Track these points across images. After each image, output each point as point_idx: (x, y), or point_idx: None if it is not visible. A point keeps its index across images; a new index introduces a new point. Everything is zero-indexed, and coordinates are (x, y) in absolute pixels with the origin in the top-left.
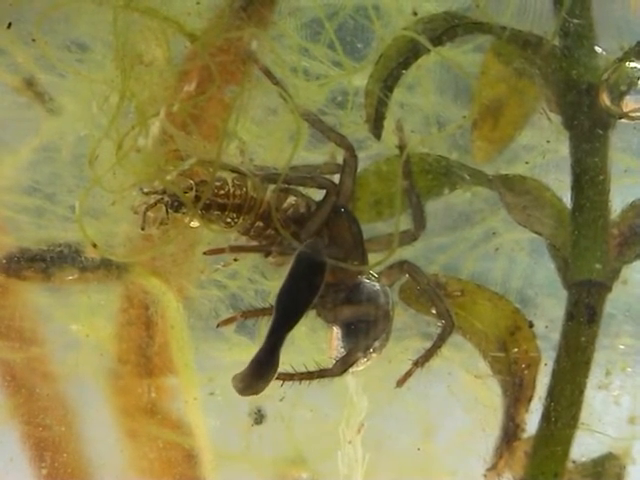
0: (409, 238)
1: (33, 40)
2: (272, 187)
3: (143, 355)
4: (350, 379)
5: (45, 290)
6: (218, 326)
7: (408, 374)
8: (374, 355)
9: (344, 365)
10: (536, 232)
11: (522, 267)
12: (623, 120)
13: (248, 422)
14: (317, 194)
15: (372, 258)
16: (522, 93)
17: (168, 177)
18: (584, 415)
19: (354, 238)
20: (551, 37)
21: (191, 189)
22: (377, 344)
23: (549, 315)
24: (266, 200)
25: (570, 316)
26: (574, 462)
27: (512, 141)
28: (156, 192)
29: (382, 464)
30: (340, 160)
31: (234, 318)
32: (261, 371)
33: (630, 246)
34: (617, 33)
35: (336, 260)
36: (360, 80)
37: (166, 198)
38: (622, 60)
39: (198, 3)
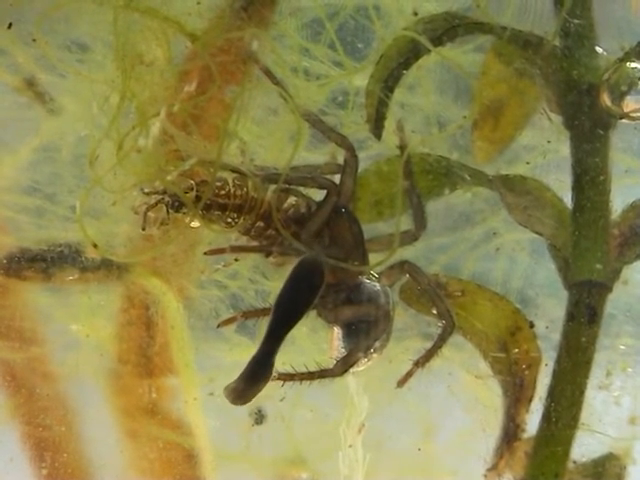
0: (410, 238)
1: (34, 40)
2: (273, 187)
3: (143, 355)
4: (351, 379)
5: (45, 290)
6: (218, 326)
7: (409, 374)
8: (375, 355)
9: (345, 365)
10: (537, 232)
11: (523, 267)
12: (624, 120)
13: (248, 422)
14: (318, 194)
15: (373, 258)
16: (523, 93)
17: (169, 177)
18: (585, 415)
19: (355, 238)
20: (552, 37)
21: (192, 189)
22: (378, 344)
23: (550, 315)
24: (267, 200)
25: (571, 316)
26: (575, 462)
27: (513, 141)
28: (157, 192)
29: (383, 464)
30: (341, 160)
31: (234, 318)
32: (253, 381)
33: (631, 246)
34: (618, 33)
35: (337, 260)
36: (361, 80)
37: (167, 198)
38: (623, 60)
39: (199, 3)
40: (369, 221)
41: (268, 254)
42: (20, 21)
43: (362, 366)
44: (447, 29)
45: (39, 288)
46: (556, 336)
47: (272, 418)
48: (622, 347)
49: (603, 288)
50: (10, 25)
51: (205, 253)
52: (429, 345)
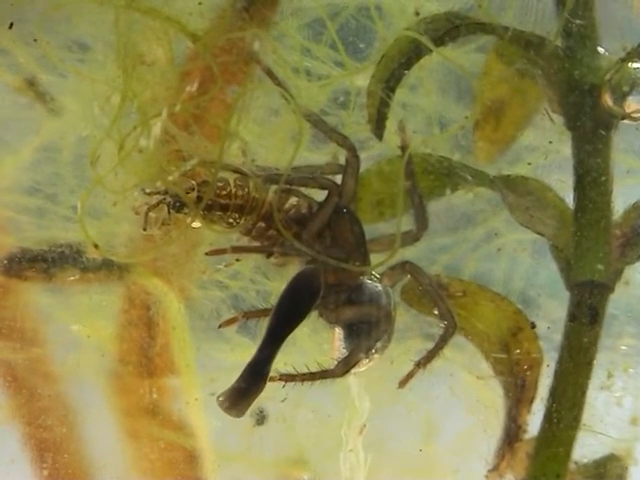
0: (411, 239)
1: (34, 40)
2: (274, 188)
3: (144, 356)
4: (352, 380)
5: (46, 290)
6: (220, 327)
7: (410, 375)
8: (376, 356)
9: (346, 366)
10: (538, 233)
11: (524, 268)
12: (625, 121)
13: (250, 423)
14: (319, 195)
15: (374, 259)
16: (524, 94)
17: (170, 178)
18: (586, 416)
19: (356, 239)
20: (553, 37)
21: (193, 189)
22: (379, 345)
23: (551, 316)
24: (268, 201)
25: (572, 317)
26: (576, 463)
27: (514, 142)
28: (158, 192)
29: (384, 465)
30: (342, 161)
31: (236, 319)
32: (247, 389)
33: (632, 247)
34: (620, 34)
35: (338, 261)
36: (362, 80)
37: (168, 198)
38: (625, 61)
39: (200, 3)
40: (370, 221)
41: (269, 254)
42: (21, 21)
43: (363, 367)
44: (449, 29)
45: (40, 288)
46: (558, 337)
47: (273, 419)
48: (624, 348)
49: (605, 288)
50: (11, 25)
51: (206, 253)
52: (430, 346)
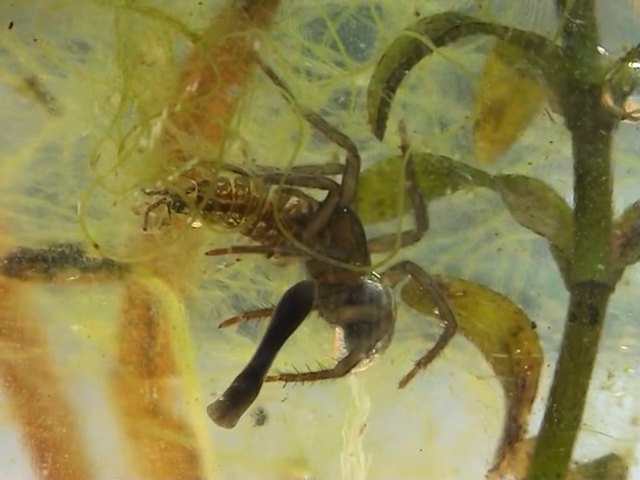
0: (411, 239)
1: (35, 40)
2: (274, 187)
3: (145, 356)
4: (352, 380)
5: (47, 290)
6: (220, 327)
7: (410, 375)
8: (376, 356)
9: (346, 366)
10: (539, 233)
11: (525, 268)
12: (626, 121)
13: (250, 423)
14: (319, 195)
15: (375, 259)
16: (525, 93)
17: (170, 177)
18: (586, 416)
19: (356, 239)
20: (554, 37)
21: (193, 189)
22: (379, 345)
23: (552, 316)
24: (268, 200)
25: (573, 317)
26: (576, 463)
27: (515, 142)
28: (158, 192)
29: (384, 465)
30: (342, 160)
31: (236, 319)
32: (238, 399)
33: (633, 247)
34: (620, 33)
35: (338, 261)
36: (363, 80)
37: (168, 198)
38: (625, 60)
39: (200, 3)
40: (371, 221)
41: (270, 254)
42: (21, 21)
43: (364, 367)
44: (449, 29)
45: (40, 288)
46: (558, 336)
47: (274, 419)
48: (624, 348)
49: (605, 288)
50: (11, 25)
51: (207, 253)
52: (431, 346)
